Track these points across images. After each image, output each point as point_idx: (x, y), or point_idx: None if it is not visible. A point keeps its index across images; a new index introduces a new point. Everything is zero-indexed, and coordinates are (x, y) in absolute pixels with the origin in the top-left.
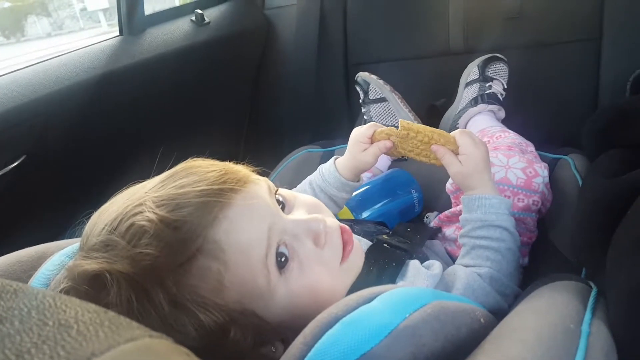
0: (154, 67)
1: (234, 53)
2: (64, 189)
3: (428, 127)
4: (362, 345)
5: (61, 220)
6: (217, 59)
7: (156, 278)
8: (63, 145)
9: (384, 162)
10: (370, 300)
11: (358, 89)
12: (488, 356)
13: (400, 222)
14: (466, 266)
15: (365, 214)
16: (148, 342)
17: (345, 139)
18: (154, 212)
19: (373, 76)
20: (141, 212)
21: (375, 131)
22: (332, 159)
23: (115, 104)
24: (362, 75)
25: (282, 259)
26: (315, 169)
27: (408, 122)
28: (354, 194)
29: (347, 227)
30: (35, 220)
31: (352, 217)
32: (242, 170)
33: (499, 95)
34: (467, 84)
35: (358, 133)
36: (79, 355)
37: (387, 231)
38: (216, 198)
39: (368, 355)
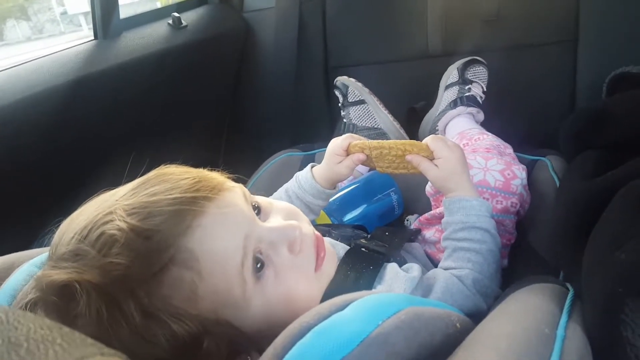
0: (130, 72)
1: (212, 57)
2: (35, 196)
3: (398, 140)
4: (333, 354)
5: (32, 229)
6: (195, 63)
7: (127, 288)
8: (34, 152)
9: None
10: (342, 308)
11: (337, 93)
12: None
13: (379, 225)
14: (448, 269)
15: (345, 218)
16: None
17: (325, 142)
18: (124, 221)
19: (351, 79)
20: (111, 221)
21: (350, 144)
22: (309, 166)
23: (89, 109)
24: (340, 79)
25: (259, 265)
26: (296, 173)
27: (377, 141)
28: (334, 198)
29: (319, 234)
30: (4, 229)
31: (329, 222)
32: (216, 177)
33: (478, 98)
34: (447, 87)
35: (334, 145)
36: None
37: (366, 235)
38: (189, 206)
39: None
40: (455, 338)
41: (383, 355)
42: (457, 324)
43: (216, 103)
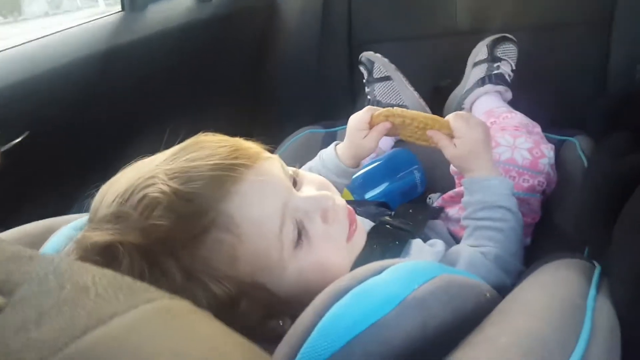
0: (156, 44)
1: (237, 31)
2: (69, 164)
3: (421, 113)
4: (372, 314)
5: (67, 196)
6: (219, 38)
7: (169, 250)
8: (67, 121)
9: (387, 141)
10: (379, 272)
11: (362, 68)
12: (497, 327)
13: (403, 203)
14: (470, 246)
15: (367, 195)
16: (168, 303)
17: (347, 119)
18: (166, 184)
19: (377, 55)
20: (153, 184)
21: (372, 115)
22: (333, 144)
23: (118, 79)
24: (366, 55)
25: (297, 234)
26: (318, 150)
27: (401, 109)
28: (357, 174)
29: (351, 207)
30: (41, 196)
31: (352, 199)
32: (253, 146)
33: (507, 77)
34: (475, 64)
35: (356, 120)
36: (100, 315)
37: (390, 212)
38: (228, 172)
39: (378, 325)
40: (485, 307)
41: (420, 317)
42: (487, 294)
43: (239, 78)
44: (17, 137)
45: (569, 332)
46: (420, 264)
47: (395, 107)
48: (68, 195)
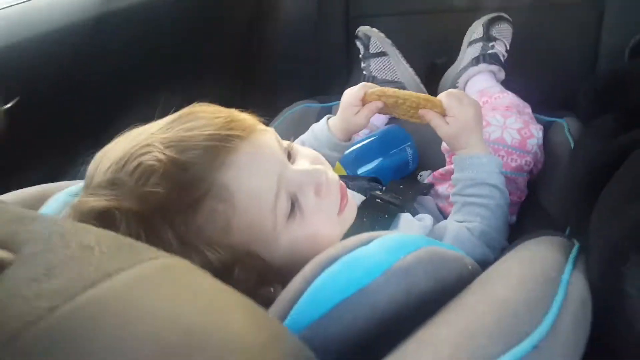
0: (147, 12)
1: (228, 3)
2: (62, 131)
3: (413, 93)
4: (359, 281)
5: (60, 163)
6: (211, 9)
7: (165, 217)
8: (58, 88)
9: (381, 117)
10: (367, 243)
11: (358, 43)
12: (475, 295)
13: (392, 179)
14: (457, 222)
15: (360, 170)
16: (170, 261)
17: (342, 94)
18: (162, 153)
19: (374, 29)
20: (149, 152)
21: (366, 93)
22: (325, 118)
23: (111, 45)
24: (363, 29)
25: (291, 207)
26: (312, 124)
27: (393, 89)
28: (350, 149)
29: (342, 182)
30: (32, 164)
31: (345, 174)
32: (248, 118)
33: (501, 56)
34: (471, 43)
35: (349, 95)
36: (107, 269)
37: (380, 187)
38: (223, 143)
39: (364, 290)
40: (467, 278)
41: (404, 284)
42: (469, 266)
43: (232, 52)
44: (7, 104)
45: (541, 302)
46: (406, 236)
47: (388, 88)
48: (61, 162)
